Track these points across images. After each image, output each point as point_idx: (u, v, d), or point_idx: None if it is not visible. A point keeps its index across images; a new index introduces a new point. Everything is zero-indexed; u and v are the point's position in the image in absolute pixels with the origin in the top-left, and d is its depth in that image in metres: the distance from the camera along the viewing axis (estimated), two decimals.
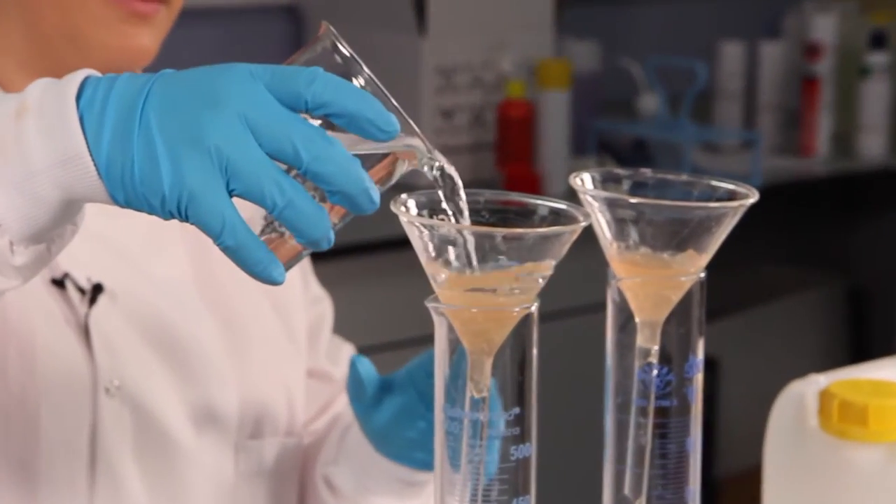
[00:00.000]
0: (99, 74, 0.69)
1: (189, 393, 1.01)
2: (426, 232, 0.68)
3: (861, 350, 3.09)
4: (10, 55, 0.99)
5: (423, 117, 2.39)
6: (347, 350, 1.16)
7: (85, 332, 0.97)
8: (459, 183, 0.69)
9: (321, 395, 1.12)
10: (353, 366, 0.97)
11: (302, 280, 1.11)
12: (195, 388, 1.01)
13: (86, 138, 0.66)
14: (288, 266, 0.67)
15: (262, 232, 0.67)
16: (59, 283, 0.97)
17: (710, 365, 2.75)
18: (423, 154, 0.68)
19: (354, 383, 0.97)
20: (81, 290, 0.98)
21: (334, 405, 1.12)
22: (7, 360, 0.94)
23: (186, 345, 1.01)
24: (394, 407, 0.96)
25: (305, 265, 1.13)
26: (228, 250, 0.65)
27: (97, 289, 0.98)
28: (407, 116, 0.67)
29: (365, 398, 0.97)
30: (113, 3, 0.97)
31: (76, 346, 0.97)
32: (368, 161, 0.67)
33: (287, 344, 1.08)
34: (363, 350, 1.18)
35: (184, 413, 1.00)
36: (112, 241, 1.01)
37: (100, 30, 0.97)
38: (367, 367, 0.97)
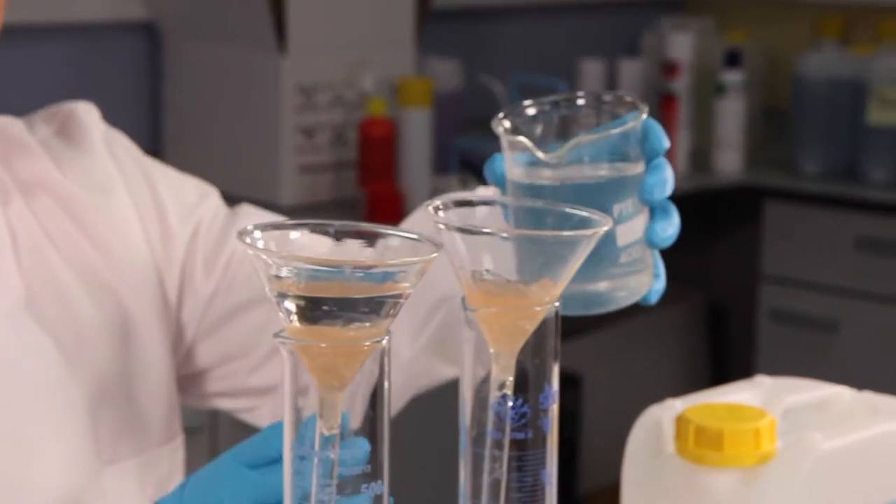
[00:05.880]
0: None
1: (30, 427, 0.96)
2: (272, 265, 0.66)
3: (719, 362, 3.14)
4: None
5: (284, 136, 2.36)
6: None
7: None
8: None
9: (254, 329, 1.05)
10: None
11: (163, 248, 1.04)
12: (33, 419, 0.96)
13: None
14: None
15: None
16: None
17: (573, 380, 2.77)
18: None
19: None
20: None
21: None
22: None
23: (22, 377, 0.97)
24: None
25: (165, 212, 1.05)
26: None
27: None
28: None
29: None
30: None
31: None
32: None
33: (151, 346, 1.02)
34: None
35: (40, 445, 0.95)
36: None
37: None
38: None
